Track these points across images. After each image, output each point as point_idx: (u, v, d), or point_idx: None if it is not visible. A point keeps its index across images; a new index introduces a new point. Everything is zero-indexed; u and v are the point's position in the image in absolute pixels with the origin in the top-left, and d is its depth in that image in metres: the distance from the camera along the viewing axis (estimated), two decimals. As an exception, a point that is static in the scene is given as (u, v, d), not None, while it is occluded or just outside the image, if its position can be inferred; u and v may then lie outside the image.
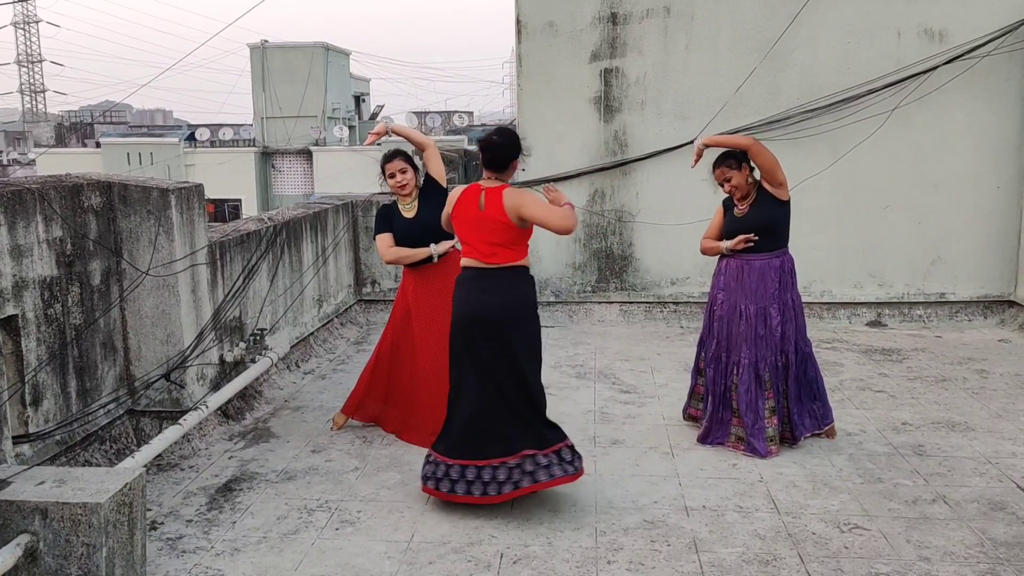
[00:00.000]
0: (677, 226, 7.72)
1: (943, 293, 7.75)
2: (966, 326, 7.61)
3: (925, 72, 7.38)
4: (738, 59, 7.57)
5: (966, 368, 6.32)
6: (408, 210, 4.89)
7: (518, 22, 7.78)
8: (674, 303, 7.98)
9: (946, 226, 7.65)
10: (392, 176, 4.87)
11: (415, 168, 4.93)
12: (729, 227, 4.77)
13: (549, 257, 7.98)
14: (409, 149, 5.08)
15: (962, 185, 7.59)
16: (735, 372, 4.69)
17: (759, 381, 4.63)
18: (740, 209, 4.75)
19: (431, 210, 4.71)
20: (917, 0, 7.41)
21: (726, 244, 4.73)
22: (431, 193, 4.87)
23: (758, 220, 4.66)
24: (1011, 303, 7.67)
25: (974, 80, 7.39)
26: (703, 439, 4.83)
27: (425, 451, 4.77)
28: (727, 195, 4.82)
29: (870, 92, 7.43)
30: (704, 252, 4.95)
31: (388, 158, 4.92)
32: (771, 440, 4.63)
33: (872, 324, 7.73)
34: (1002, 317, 7.66)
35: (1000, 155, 7.53)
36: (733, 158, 4.67)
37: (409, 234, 4.83)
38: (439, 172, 4.94)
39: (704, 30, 7.61)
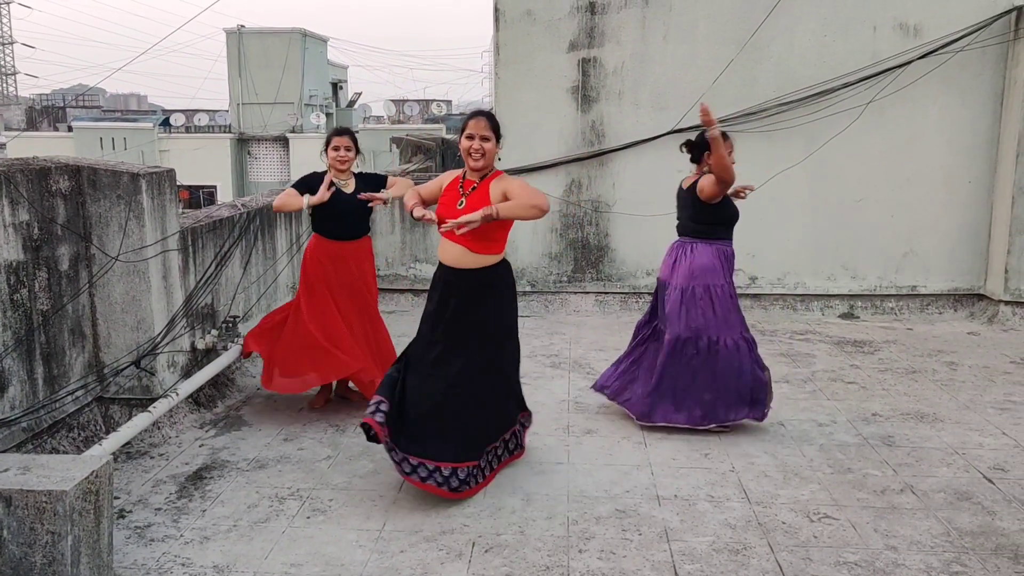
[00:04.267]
0: (653, 217, 7.74)
1: (915, 286, 7.83)
2: (937, 319, 7.70)
3: (900, 66, 7.44)
4: (715, 50, 7.58)
5: (936, 360, 6.40)
6: (345, 186, 5.11)
7: (496, 10, 7.74)
8: (649, 294, 7.99)
9: (918, 220, 7.73)
10: (337, 149, 5.09)
11: (358, 151, 5.19)
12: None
13: (525, 247, 7.97)
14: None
15: (934, 179, 7.66)
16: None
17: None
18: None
19: (364, 192, 5.06)
20: (893, -6, 7.46)
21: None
22: (370, 180, 5.19)
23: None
24: (981, 296, 7.77)
25: (948, 75, 7.46)
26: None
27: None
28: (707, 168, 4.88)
29: (845, 86, 7.48)
30: None
31: (339, 132, 5.17)
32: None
33: (844, 316, 7.80)
34: (972, 310, 7.76)
35: (972, 150, 7.61)
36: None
37: (347, 206, 5.05)
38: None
39: (682, 21, 7.61)
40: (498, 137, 4.05)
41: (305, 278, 5.19)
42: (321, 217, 5.10)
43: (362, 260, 5.24)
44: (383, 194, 4.94)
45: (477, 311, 4.06)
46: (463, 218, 3.84)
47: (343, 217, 5.08)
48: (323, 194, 4.97)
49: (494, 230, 4.02)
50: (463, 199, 4.02)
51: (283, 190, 5.40)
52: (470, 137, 3.99)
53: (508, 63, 7.81)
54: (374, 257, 5.40)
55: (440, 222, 4.02)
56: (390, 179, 5.19)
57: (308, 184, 5.09)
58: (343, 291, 5.15)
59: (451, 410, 3.99)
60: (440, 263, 4.15)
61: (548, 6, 7.70)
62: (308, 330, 5.04)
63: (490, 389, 4.13)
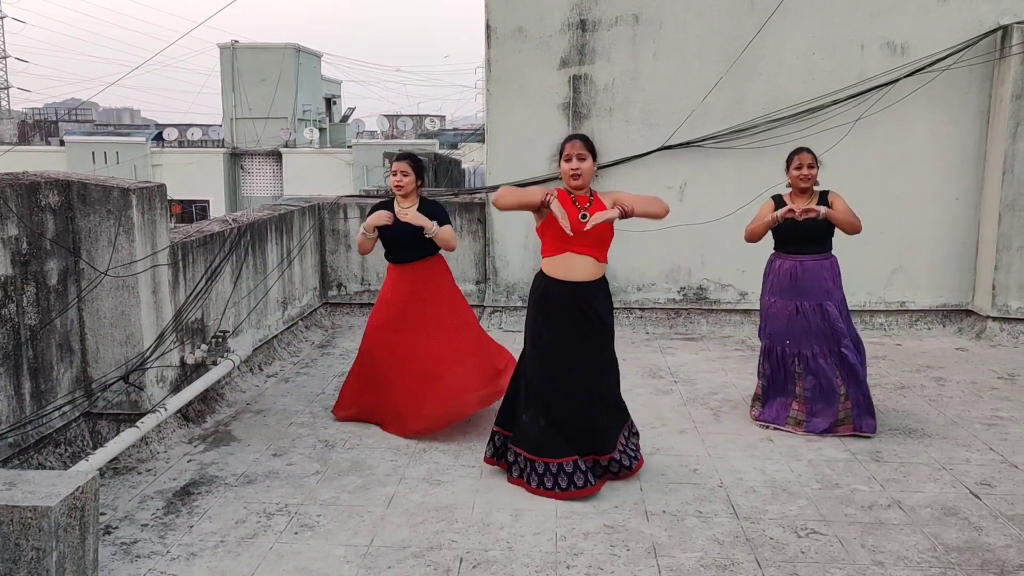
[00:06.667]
0: (643, 232, 7.76)
1: (903, 302, 7.87)
2: (925, 334, 7.74)
3: (887, 84, 7.50)
4: (705, 68, 7.64)
5: (924, 376, 6.43)
6: (403, 213, 5.12)
7: (488, 27, 7.79)
8: (640, 309, 8.02)
9: (907, 236, 7.77)
10: (394, 174, 5.17)
11: (419, 176, 5.21)
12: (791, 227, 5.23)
13: (517, 262, 7.99)
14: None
15: (923, 196, 7.71)
16: (796, 362, 5.16)
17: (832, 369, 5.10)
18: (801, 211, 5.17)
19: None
20: (880, 14, 7.53)
21: (780, 212, 5.17)
22: (432, 208, 5.17)
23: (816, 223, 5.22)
24: (969, 312, 7.82)
25: (934, 93, 7.53)
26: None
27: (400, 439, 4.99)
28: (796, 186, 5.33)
29: (834, 103, 7.54)
30: (750, 236, 5.32)
31: (398, 156, 5.26)
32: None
33: (834, 332, 7.82)
34: (960, 326, 7.80)
35: (959, 167, 7.67)
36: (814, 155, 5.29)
37: (401, 232, 5.10)
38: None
39: (672, 39, 7.67)
40: (594, 156, 4.28)
41: (375, 315, 5.29)
42: (387, 246, 5.23)
43: (435, 278, 5.28)
44: (431, 225, 5.00)
45: (604, 321, 4.31)
46: (602, 214, 4.07)
47: (403, 243, 5.15)
48: (379, 219, 5.03)
49: (606, 238, 4.28)
50: (584, 211, 4.19)
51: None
52: (568, 159, 4.22)
53: (499, 80, 7.86)
54: (450, 274, 5.42)
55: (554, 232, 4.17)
56: (447, 228, 5.13)
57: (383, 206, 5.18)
58: (425, 312, 5.18)
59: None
60: (557, 281, 4.23)
61: (539, 23, 7.75)
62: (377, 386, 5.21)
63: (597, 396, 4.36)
